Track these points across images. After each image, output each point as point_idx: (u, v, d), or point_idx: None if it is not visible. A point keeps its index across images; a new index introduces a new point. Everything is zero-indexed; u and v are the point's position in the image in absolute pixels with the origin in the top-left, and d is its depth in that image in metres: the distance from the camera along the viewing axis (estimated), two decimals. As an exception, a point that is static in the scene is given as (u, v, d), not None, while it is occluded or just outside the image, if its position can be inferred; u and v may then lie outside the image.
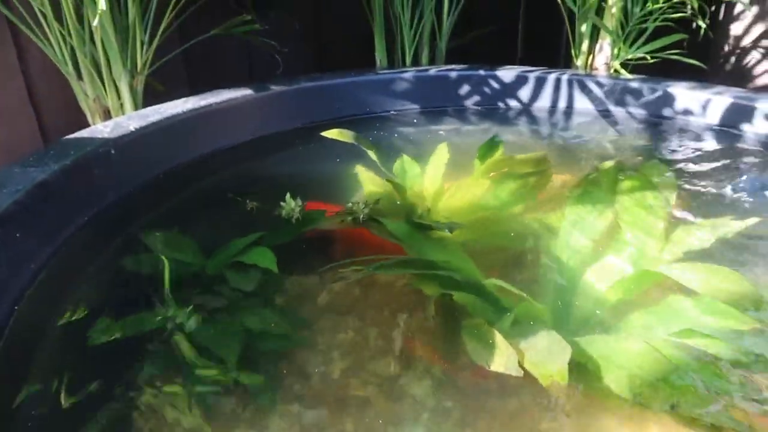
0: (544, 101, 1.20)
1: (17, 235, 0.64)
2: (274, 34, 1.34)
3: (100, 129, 0.87)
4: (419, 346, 0.63)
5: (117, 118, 0.92)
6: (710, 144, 1.07)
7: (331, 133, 1.02)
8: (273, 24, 1.38)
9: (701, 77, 1.22)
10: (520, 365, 0.53)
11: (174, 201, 0.89)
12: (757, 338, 0.56)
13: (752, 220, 0.74)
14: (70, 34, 1.09)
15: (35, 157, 0.76)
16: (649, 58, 1.18)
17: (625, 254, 0.73)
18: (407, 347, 0.63)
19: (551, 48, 1.77)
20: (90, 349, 0.63)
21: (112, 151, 0.83)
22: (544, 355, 0.52)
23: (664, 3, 1.14)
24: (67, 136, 0.84)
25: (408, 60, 1.36)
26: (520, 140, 1.14)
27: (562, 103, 1.19)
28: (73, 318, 0.65)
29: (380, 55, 1.37)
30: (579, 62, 1.30)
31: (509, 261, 0.78)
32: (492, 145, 1.02)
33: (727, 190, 0.88)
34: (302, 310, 0.69)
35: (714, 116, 1.07)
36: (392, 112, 1.22)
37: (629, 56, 1.21)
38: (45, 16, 1.10)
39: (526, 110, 1.21)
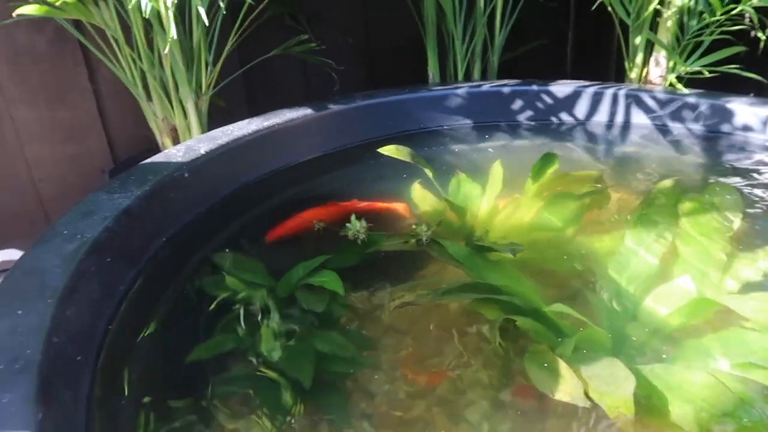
0: (599, 116, 1.20)
1: (108, 260, 0.69)
2: (327, 51, 1.38)
3: (174, 153, 0.92)
4: (480, 369, 0.66)
5: (188, 141, 0.97)
6: (771, 160, 1.05)
7: (388, 150, 1.05)
8: (327, 41, 1.42)
9: (761, 91, 1.20)
10: (585, 395, 0.54)
11: (242, 221, 0.94)
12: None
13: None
14: (140, 58, 1.16)
15: (119, 183, 0.81)
16: (705, 71, 1.17)
17: (684, 281, 0.73)
18: (467, 370, 0.66)
19: (601, 60, 1.76)
20: (174, 366, 0.68)
21: (186, 174, 0.88)
22: (609, 385, 0.54)
23: (721, 15, 1.13)
24: (145, 161, 0.89)
25: (460, 74, 1.38)
26: (574, 156, 1.15)
27: (618, 118, 1.19)
28: (158, 337, 0.71)
29: (433, 71, 1.39)
30: (633, 75, 1.30)
31: (565, 284, 0.80)
32: (546, 163, 1.03)
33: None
34: (367, 331, 0.73)
35: (776, 132, 1.06)
36: (445, 127, 1.24)
37: (685, 70, 1.20)
38: (117, 42, 1.17)
39: (580, 125, 1.21)
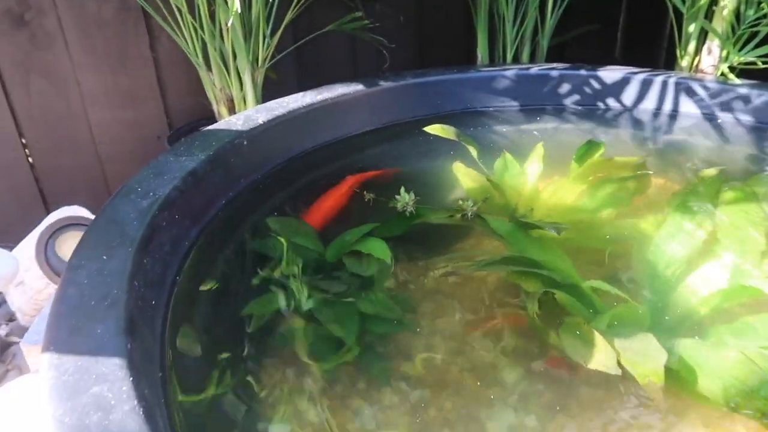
0: (647, 103, 1.20)
1: (176, 216, 0.75)
2: (380, 30, 1.41)
3: (234, 121, 0.97)
4: (516, 337, 0.70)
5: (246, 111, 1.02)
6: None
7: (434, 129, 1.08)
8: (379, 19, 1.45)
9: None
10: (618, 364, 0.58)
11: (294, 188, 0.99)
12: None
13: None
14: (202, 29, 1.21)
15: (184, 147, 0.87)
16: (759, 62, 1.16)
17: (721, 267, 0.75)
18: (503, 337, 0.70)
19: (652, 48, 1.74)
20: (230, 316, 0.74)
21: (245, 142, 0.94)
22: (641, 356, 0.57)
23: (780, 5, 1.12)
24: (208, 128, 0.95)
25: (509, 57, 1.40)
26: (619, 142, 1.16)
27: (666, 106, 1.19)
28: (217, 290, 0.77)
29: (482, 52, 1.41)
30: (684, 63, 1.29)
31: (603, 264, 0.82)
32: (591, 146, 1.04)
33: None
34: (410, 298, 0.77)
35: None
36: (491, 109, 1.26)
37: (738, 60, 1.19)
38: (180, 12, 1.22)
39: (627, 112, 1.22)
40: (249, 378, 0.67)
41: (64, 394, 0.43)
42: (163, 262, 0.70)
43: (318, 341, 0.70)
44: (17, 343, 1.24)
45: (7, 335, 1.26)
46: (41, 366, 0.47)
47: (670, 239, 0.80)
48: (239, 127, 0.96)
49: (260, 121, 0.98)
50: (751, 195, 0.85)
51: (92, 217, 1.23)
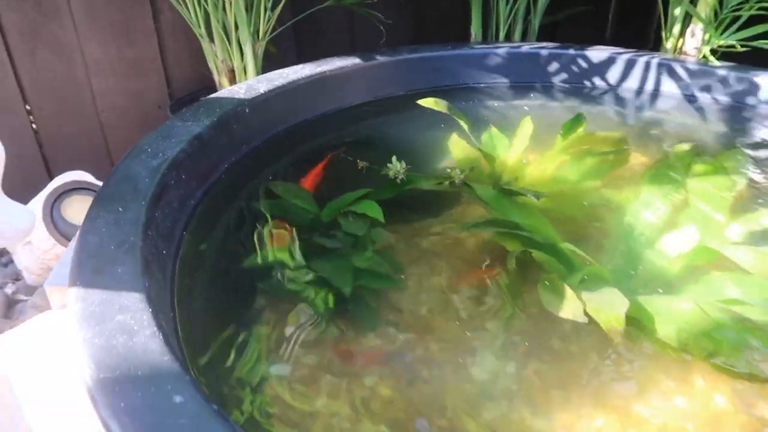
0: (630, 83, 1.26)
1: (183, 177, 0.81)
2: (377, 5, 1.45)
3: (236, 90, 1.02)
4: (495, 289, 0.76)
5: (248, 80, 1.07)
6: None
7: (427, 102, 1.14)
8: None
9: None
10: (585, 314, 0.64)
11: (293, 156, 1.04)
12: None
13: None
14: (206, 1, 1.25)
15: (190, 113, 0.92)
16: (738, 45, 1.22)
17: (689, 232, 0.82)
18: (485, 292, 0.76)
19: (642, 27, 1.79)
20: (233, 268, 0.80)
21: (247, 110, 0.99)
22: (606, 305, 0.63)
23: (762, -10, 1.17)
24: (212, 96, 1.00)
25: (501, 35, 1.44)
26: (603, 119, 1.22)
27: (648, 86, 1.25)
28: (221, 245, 0.82)
29: (476, 29, 1.46)
30: (668, 45, 1.34)
31: (583, 229, 0.89)
32: (575, 122, 1.10)
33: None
34: (400, 256, 0.83)
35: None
36: (483, 85, 1.31)
37: (719, 43, 1.24)
38: (184, -16, 1.26)
39: (612, 90, 1.27)
40: (250, 323, 0.73)
41: (92, 321, 0.49)
42: (172, 217, 0.76)
43: (316, 290, 0.76)
44: (24, 301, 1.30)
45: (13, 293, 1.31)
46: (69, 299, 0.53)
47: (643, 207, 0.86)
48: (242, 96, 1.01)
49: (261, 91, 1.03)
50: (720, 168, 0.91)
51: (96, 182, 1.28)
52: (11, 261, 1.36)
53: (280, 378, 0.68)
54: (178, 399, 0.42)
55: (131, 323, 0.49)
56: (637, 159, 1.05)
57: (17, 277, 1.34)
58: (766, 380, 0.59)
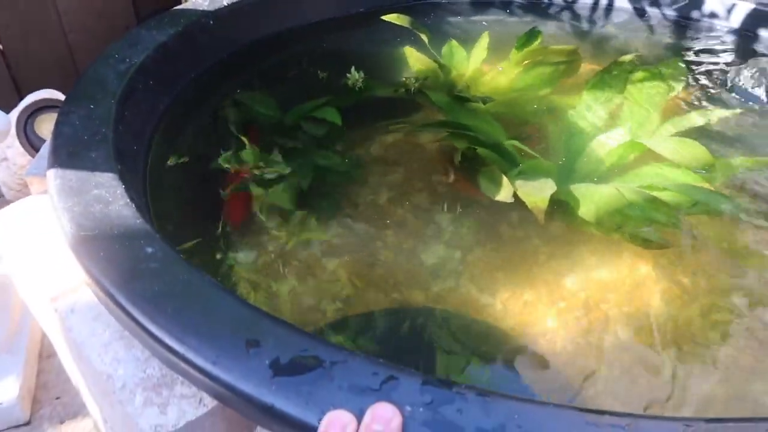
0: (586, -2, 1.30)
1: (150, 83, 0.85)
2: None
3: (200, 2, 1.05)
4: (446, 184, 0.84)
5: (212, -6, 1.09)
6: (728, 45, 1.18)
7: (390, 17, 1.17)
8: None
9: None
10: (514, 196, 0.72)
11: (258, 67, 1.08)
12: (704, 193, 0.74)
13: (735, 111, 0.89)
14: None
15: (155, 22, 0.95)
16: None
17: (623, 132, 0.89)
18: (437, 185, 0.84)
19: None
20: (201, 168, 0.86)
21: (211, 22, 1.02)
22: (534, 189, 0.71)
23: None
24: (176, 7, 1.03)
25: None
26: (558, 33, 1.27)
27: (602, 1, 1.30)
28: (190, 146, 0.88)
29: (439, -54, 1.47)
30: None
31: (530, 130, 0.96)
32: (530, 36, 1.15)
33: (728, 86, 1.01)
34: (359, 156, 0.90)
35: (736, 20, 1.17)
36: (444, 1, 1.35)
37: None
38: None
39: (568, 6, 1.32)
40: (216, 215, 0.79)
41: (70, 192, 0.55)
42: (141, 119, 0.80)
43: (279, 186, 0.82)
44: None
45: (-6, 209, 1.36)
46: (48, 177, 0.58)
47: (584, 110, 0.93)
48: (205, 8, 1.03)
49: (225, 3, 1.06)
50: (657, 75, 0.98)
51: (68, 99, 1.31)
52: (-12, 179, 1.40)
53: (246, 263, 0.76)
54: (149, 250, 0.49)
55: (106, 195, 0.55)
56: (588, 69, 1.11)
57: (-5, 194, 1.38)
58: (672, 247, 0.69)
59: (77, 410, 0.89)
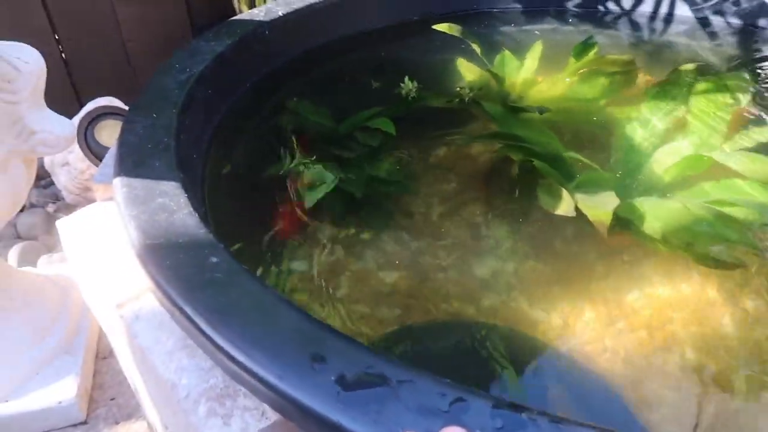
0: (645, 7, 1.26)
1: (209, 91, 0.87)
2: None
3: (256, 13, 1.06)
4: (501, 196, 0.82)
5: (267, 4, 1.11)
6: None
7: (442, 27, 1.16)
8: None
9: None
10: (576, 209, 0.70)
11: (312, 76, 1.09)
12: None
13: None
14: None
15: (213, 34, 0.97)
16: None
17: (687, 144, 0.86)
18: (490, 197, 0.82)
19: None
20: (256, 179, 0.87)
21: (267, 32, 1.03)
22: (596, 203, 0.69)
23: None
24: (233, 18, 1.04)
25: (517, -40, 1.44)
26: (615, 43, 1.24)
27: (662, 10, 1.26)
28: (245, 154, 0.89)
29: (491, -45, 1.45)
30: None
31: (588, 142, 0.93)
32: (586, 45, 1.12)
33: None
34: (413, 166, 0.89)
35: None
36: (496, 10, 1.33)
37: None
38: None
39: (626, 15, 1.28)
40: (269, 223, 0.80)
41: (136, 201, 0.56)
42: (201, 126, 0.82)
43: (330, 197, 0.82)
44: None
45: (54, 212, 1.41)
46: (114, 185, 0.60)
47: (644, 122, 0.90)
48: (261, 18, 1.05)
49: (280, 14, 1.07)
50: (722, 86, 0.94)
51: (125, 107, 1.35)
52: (51, 183, 1.45)
53: (299, 273, 0.76)
54: (214, 259, 0.49)
55: (170, 204, 0.56)
56: (645, 79, 1.08)
57: (57, 197, 1.43)
58: (743, 267, 0.65)
59: (131, 412, 0.91)
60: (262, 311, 0.44)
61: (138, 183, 0.59)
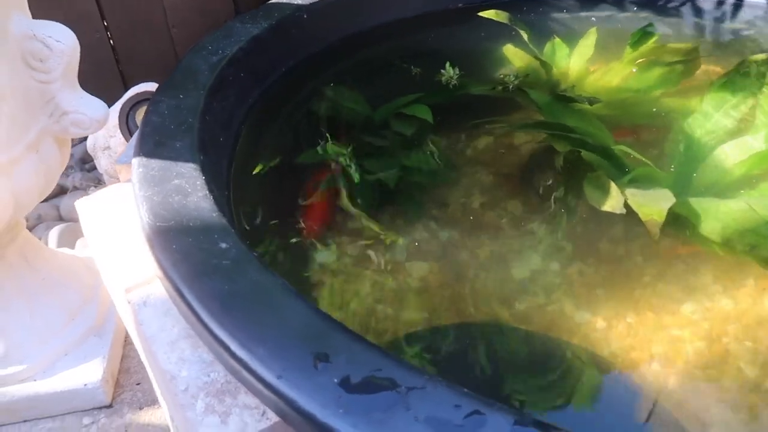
0: (710, -8, 1.17)
1: (241, 74, 0.84)
2: None
3: (295, -3, 1.03)
4: (541, 191, 0.76)
5: (307, -12, 1.08)
6: None
7: (488, 14, 1.11)
8: None
9: None
10: (625, 206, 0.64)
11: (350, 62, 1.05)
12: None
13: None
14: None
15: (250, 16, 0.94)
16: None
17: (755, 139, 0.78)
18: (532, 191, 0.77)
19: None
20: (286, 162, 0.84)
21: (305, 16, 1.00)
22: (649, 200, 0.63)
23: None
24: (271, 1, 1.02)
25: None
26: (678, 31, 1.15)
27: (730, -5, 1.16)
28: (276, 139, 0.86)
29: (545, -62, 1.38)
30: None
31: (644, 135, 0.86)
32: (645, 33, 1.04)
33: None
34: (451, 156, 0.84)
35: None
36: (549, -4, 1.26)
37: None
38: None
39: (690, 1, 1.19)
40: (299, 210, 0.77)
41: (152, 182, 0.54)
42: (230, 110, 0.79)
43: (362, 186, 0.79)
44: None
45: (96, 196, 1.42)
46: (132, 165, 0.58)
47: (706, 113, 0.83)
48: (300, 2, 1.02)
49: (319, -2, 1.04)
50: (798, 77, 0.85)
51: (168, 92, 1.35)
52: (94, 167, 1.47)
53: (326, 264, 0.72)
54: (223, 245, 0.46)
55: (186, 186, 0.54)
56: (709, 69, 0.99)
57: (99, 181, 1.45)
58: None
59: (155, 398, 0.89)
60: (268, 302, 0.41)
61: (155, 163, 0.57)
